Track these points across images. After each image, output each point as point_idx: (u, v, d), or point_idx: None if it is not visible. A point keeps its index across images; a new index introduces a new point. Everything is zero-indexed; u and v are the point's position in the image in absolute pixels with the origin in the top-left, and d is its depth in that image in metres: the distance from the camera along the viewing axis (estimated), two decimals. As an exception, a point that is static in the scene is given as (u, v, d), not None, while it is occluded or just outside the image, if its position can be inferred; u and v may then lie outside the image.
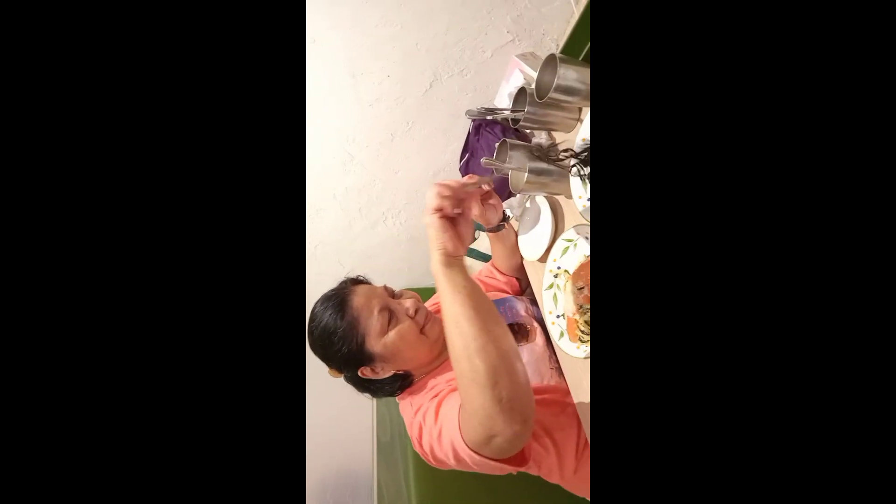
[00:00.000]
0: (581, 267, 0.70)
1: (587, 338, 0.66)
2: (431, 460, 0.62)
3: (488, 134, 0.94)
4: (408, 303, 0.73)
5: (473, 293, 0.48)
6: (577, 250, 0.72)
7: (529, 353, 0.75)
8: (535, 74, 0.77)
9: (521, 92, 0.79)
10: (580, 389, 0.68)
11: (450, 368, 0.72)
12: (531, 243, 0.84)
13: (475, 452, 0.50)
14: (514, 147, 0.81)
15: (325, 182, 1.14)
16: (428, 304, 0.83)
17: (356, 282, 0.77)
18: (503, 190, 0.88)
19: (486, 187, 0.70)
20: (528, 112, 0.76)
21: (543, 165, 0.75)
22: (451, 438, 0.53)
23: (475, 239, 1.22)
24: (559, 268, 0.75)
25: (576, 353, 0.67)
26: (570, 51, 0.76)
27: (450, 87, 0.99)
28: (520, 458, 0.54)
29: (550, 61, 0.70)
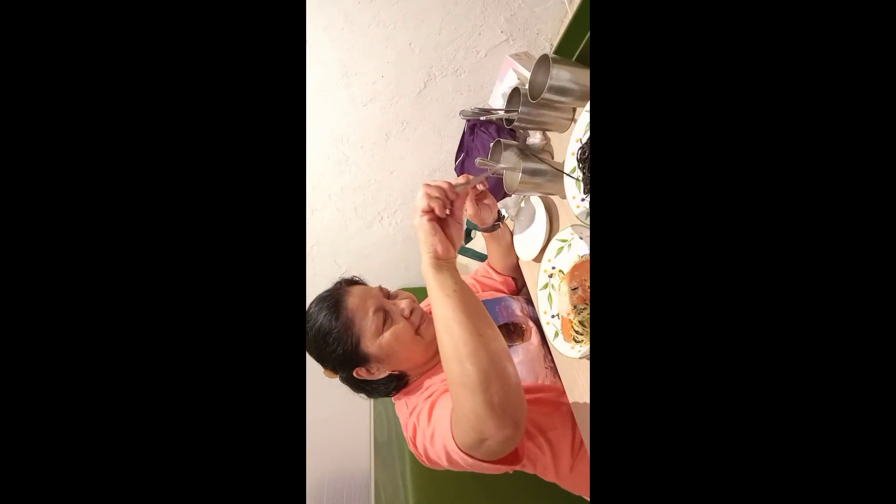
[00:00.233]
0: (575, 267, 0.70)
1: (581, 338, 0.66)
2: (426, 461, 0.62)
3: (483, 134, 0.94)
4: (403, 303, 0.73)
5: (464, 296, 0.48)
6: (571, 250, 0.73)
7: (524, 353, 0.75)
8: (528, 74, 0.77)
9: (515, 92, 0.79)
10: (575, 389, 0.68)
11: (442, 370, 0.72)
12: (526, 243, 0.85)
13: (467, 455, 0.50)
14: (508, 147, 0.81)
15: (321, 182, 1.14)
16: (424, 305, 0.83)
17: (351, 283, 0.77)
18: (498, 190, 0.88)
19: (479, 187, 0.70)
20: (521, 112, 0.76)
21: (537, 166, 0.75)
22: (443, 441, 0.53)
23: (471, 238, 1.23)
24: (554, 268, 0.76)
25: (570, 353, 0.67)
26: (564, 50, 0.76)
27: (444, 87, 0.98)
28: (513, 458, 0.54)
29: (543, 62, 0.70)
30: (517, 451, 0.54)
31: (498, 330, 0.49)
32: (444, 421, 0.54)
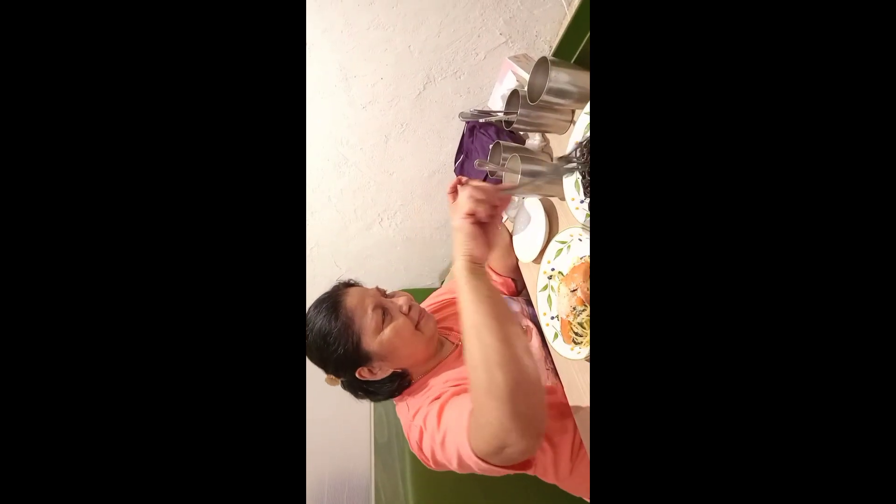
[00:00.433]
0: (574, 269, 0.70)
1: (581, 339, 0.67)
2: (431, 464, 0.62)
3: (482, 135, 0.94)
4: (400, 300, 0.73)
5: (497, 303, 0.48)
6: (570, 252, 0.73)
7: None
8: (527, 76, 0.77)
9: (514, 94, 0.80)
10: (574, 391, 0.69)
11: (447, 368, 0.72)
12: (525, 245, 0.85)
13: (482, 461, 0.50)
14: (507, 149, 0.81)
15: (320, 184, 1.14)
16: (422, 306, 0.83)
17: (348, 285, 0.77)
18: (497, 192, 0.88)
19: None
20: (520, 114, 0.76)
21: (537, 167, 0.75)
22: (457, 445, 0.53)
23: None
24: (553, 269, 0.76)
25: (570, 355, 0.68)
26: (562, 52, 0.77)
27: (443, 89, 0.99)
28: (526, 464, 0.54)
29: (542, 64, 0.70)
30: (530, 458, 0.54)
31: (526, 340, 0.48)
32: (458, 426, 0.53)
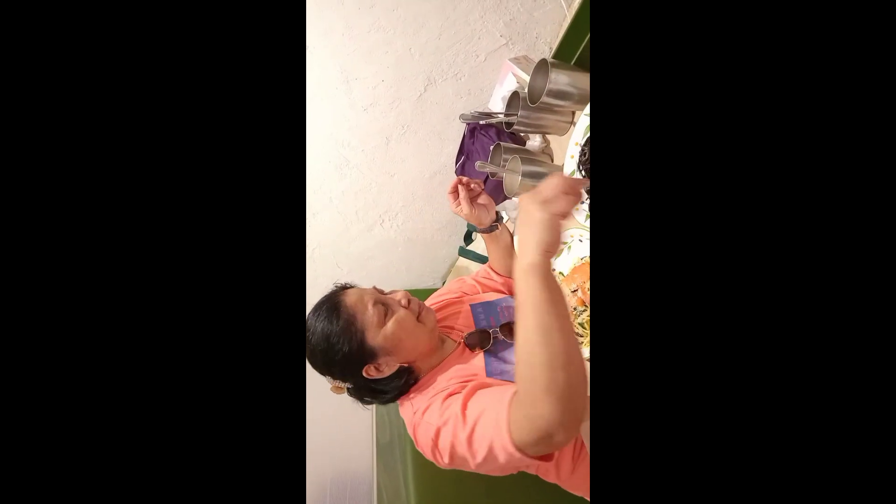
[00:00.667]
0: (575, 270, 0.71)
1: (581, 339, 0.67)
2: (445, 460, 0.61)
3: (483, 137, 0.95)
4: (398, 295, 0.73)
5: (565, 304, 0.48)
6: (571, 253, 0.73)
7: (527, 354, 0.76)
8: (527, 78, 0.77)
9: (515, 95, 0.80)
10: (576, 390, 0.69)
11: (451, 365, 0.72)
12: (526, 245, 0.85)
13: (520, 451, 0.51)
14: (508, 150, 0.82)
15: (322, 186, 1.15)
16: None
17: (345, 287, 0.77)
18: (498, 193, 0.88)
19: (473, 187, 0.70)
20: (521, 116, 0.77)
21: (537, 168, 0.76)
22: (490, 437, 0.54)
23: (472, 241, 1.23)
24: (554, 270, 0.76)
25: (571, 355, 0.68)
26: (563, 54, 0.77)
27: (444, 91, 0.99)
28: (550, 455, 0.55)
29: (542, 66, 0.71)
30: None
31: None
32: (493, 419, 0.54)
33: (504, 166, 0.81)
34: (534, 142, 0.86)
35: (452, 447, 0.59)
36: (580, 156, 0.69)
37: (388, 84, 0.96)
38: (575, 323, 0.68)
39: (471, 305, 0.84)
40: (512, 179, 0.78)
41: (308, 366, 0.70)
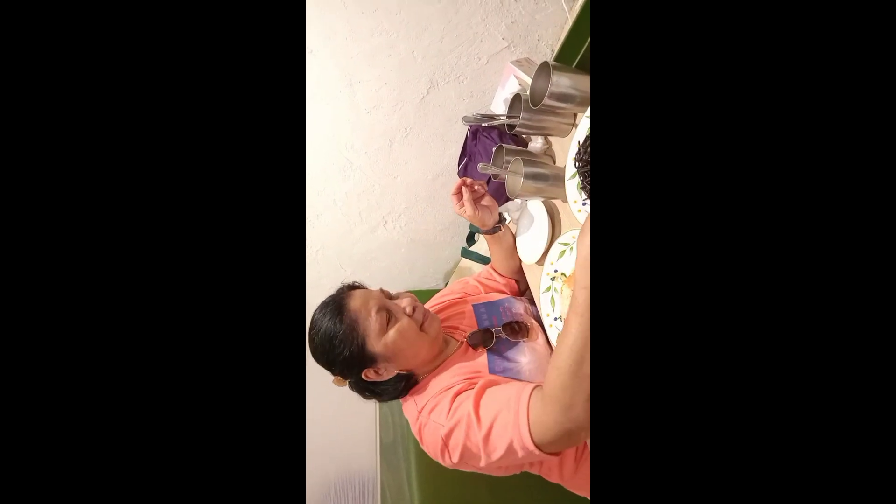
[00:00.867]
0: (577, 270, 0.71)
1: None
2: (454, 459, 0.62)
3: (485, 139, 0.95)
4: (404, 302, 0.73)
5: None
6: (573, 254, 0.74)
7: (531, 353, 0.76)
8: (529, 80, 0.78)
9: (517, 98, 0.81)
10: (578, 390, 0.69)
11: (454, 363, 0.73)
12: (528, 246, 0.86)
13: (537, 447, 0.54)
14: (510, 152, 0.82)
15: (325, 187, 1.16)
16: (427, 306, 0.84)
17: (352, 287, 0.78)
18: (500, 194, 0.89)
19: (477, 188, 0.70)
20: (523, 118, 0.77)
21: (539, 170, 0.76)
22: (510, 438, 0.55)
23: (475, 241, 1.24)
24: (556, 271, 0.77)
25: (573, 355, 0.68)
26: (564, 56, 0.77)
27: (446, 94, 1.00)
28: (559, 452, 0.57)
29: (544, 68, 0.71)
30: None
31: None
32: (508, 421, 0.56)
33: (506, 168, 0.81)
34: (536, 144, 0.86)
35: (465, 447, 0.60)
36: (576, 155, 0.69)
37: (391, 87, 0.97)
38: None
39: (473, 306, 0.85)
40: (514, 181, 0.79)
41: (314, 366, 0.71)
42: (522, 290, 0.99)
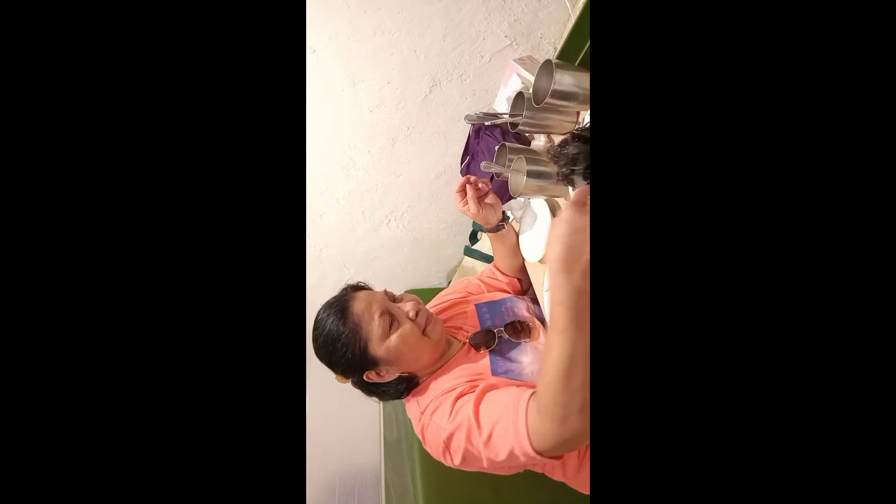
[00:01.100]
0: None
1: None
2: (456, 460, 0.62)
3: (488, 137, 0.95)
4: (408, 306, 0.74)
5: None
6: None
7: (534, 352, 0.76)
8: (532, 79, 0.78)
9: (520, 96, 0.81)
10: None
11: (456, 365, 0.73)
12: (531, 245, 0.86)
13: (538, 454, 0.53)
14: (513, 150, 0.82)
15: (328, 187, 1.16)
16: (429, 306, 0.84)
17: (356, 288, 0.78)
18: (503, 193, 0.89)
19: (481, 186, 0.69)
20: (525, 116, 0.77)
21: (542, 169, 0.76)
22: (511, 445, 0.55)
23: (478, 240, 1.24)
24: (559, 269, 0.76)
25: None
26: (567, 54, 0.77)
27: (449, 92, 1.00)
28: (560, 455, 0.58)
29: (546, 67, 0.71)
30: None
31: None
32: (508, 428, 0.56)
33: (509, 166, 0.81)
34: (538, 142, 0.86)
35: (466, 451, 0.60)
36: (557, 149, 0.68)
37: (394, 86, 0.97)
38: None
39: (476, 305, 0.85)
40: (517, 179, 0.79)
41: (320, 366, 0.72)
42: (525, 288, 0.99)
